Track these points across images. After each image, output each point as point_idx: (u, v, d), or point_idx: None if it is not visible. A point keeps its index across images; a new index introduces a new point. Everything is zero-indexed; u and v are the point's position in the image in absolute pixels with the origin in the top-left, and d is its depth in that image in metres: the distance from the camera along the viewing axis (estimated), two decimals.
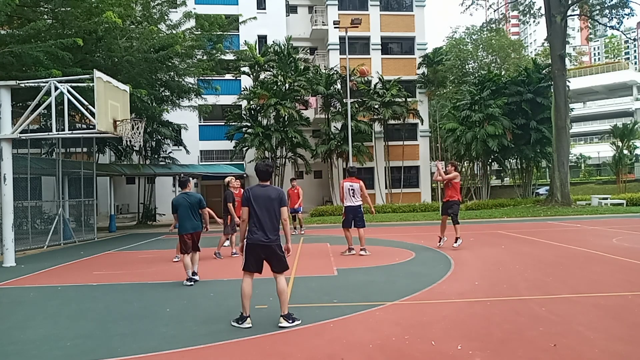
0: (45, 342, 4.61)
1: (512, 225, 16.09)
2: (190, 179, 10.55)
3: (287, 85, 24.19)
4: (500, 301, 5.69)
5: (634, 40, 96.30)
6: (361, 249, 9.76)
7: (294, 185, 15.16)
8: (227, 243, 10.55)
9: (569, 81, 25.51)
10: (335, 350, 4.13)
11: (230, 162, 26.12)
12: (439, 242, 10.47)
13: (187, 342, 4.46)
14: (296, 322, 4.87)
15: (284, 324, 4.81)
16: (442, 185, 10.88)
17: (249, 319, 4.90)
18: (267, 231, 4.84)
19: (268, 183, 5.03)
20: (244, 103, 25.07)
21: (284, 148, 24.78)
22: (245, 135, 23.97)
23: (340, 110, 25.87)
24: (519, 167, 30.43)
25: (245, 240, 4.95)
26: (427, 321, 4.94)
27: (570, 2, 23.56)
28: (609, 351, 3.94)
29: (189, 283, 7.16)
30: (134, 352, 4.23)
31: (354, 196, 9.84)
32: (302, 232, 15.16)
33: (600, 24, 30.56)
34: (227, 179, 10.45)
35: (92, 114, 9.49)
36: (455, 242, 9.87)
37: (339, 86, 25.98)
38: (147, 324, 5.15)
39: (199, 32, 17.46)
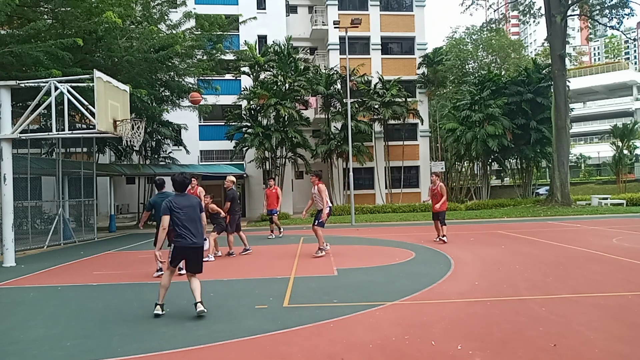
0: (46, 342, 4.61)
1: (512, 225, 16.09)
2: (193, 179, 10.67)
3: (287, 85, 24.18)
4: (500, 301, 5.70)
5: (634, 40, 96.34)
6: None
7: (271, 185, 14.15)
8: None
9: (569, 81, 25.52)
10: (335, 350, 4.13)
11: (230, 162, 26.11)
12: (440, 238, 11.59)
13: (187, 342, 4.46)
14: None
15: (200, 307, 5.24)
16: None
17: (159, 307, 5.42)
18: (195, 235, 5.35)
19: (186, 192, 5.57)
20: (244, 103, 25.05)
21: (284, 148, 24.76)
22: (245, 135, 23.96)
23: (340, 110, 25.86)
24: (519, 167, 30.43)
25: (174, 244, 5.38)
26: (427, 321, 4.94)
27: (570, 2, 23.57)
28: (609, 351, 3.94)
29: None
30: (134, 352, 4.23)
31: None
32: (280, 235, 14.15)
33: (600, 24, 30.57)
34: (230, 178, 10.46)
35: (92, 114, 9.49)
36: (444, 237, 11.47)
37: (339, 86, 25.96)
38: (147, 324, 5.15)
39: (199, 32, 17.45)
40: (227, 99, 25.36)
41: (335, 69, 26.53)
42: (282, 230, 14.49)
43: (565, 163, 22.94)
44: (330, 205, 9.62)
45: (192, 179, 10.68)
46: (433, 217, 11.88)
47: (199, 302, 5.26)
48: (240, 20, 21.45)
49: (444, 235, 11.45)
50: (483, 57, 34.45)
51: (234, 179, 10.46)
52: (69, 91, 9.67)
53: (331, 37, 28.66)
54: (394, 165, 28.93)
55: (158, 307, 5.40)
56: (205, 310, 5.27)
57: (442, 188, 11.58)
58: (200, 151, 26.79)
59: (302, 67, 25.13)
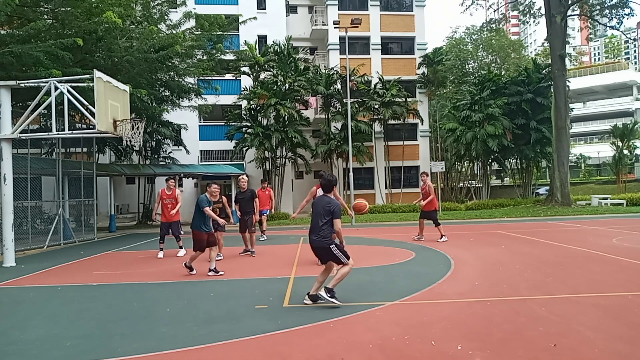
0: (45, 342, 4.61)
1: (512, 225, 16.09)
2: (171, 180, 10.75)
3: (287, 85, 24.18)
4: (500, 301, 5.69)
5: (634, 40, 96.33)
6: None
7: (265, 186, 14.17)
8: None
9: (569, 81, 25.52)
10: (335, 350, 4.13)
11: (230, 162, 26.11)
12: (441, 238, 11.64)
13: (187, 342, 4.46)
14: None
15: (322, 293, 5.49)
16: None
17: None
18: (312, 232, 5.70)
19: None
20: (244, 103, 25.05)
21: (284, 148, 24.76)
22: (245, 135, 23.95)
23: (340, 110, 25.86)
24: (519, 167, 30.43)
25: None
26: (427, 321, 4.94)
27: (570, 2, 23.57)
28: (609, 351, 3.94)
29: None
30: (134, 352, 4.23)
31: None
32: (263, 238, 13.53)
33: (600, 24, 30.57)
34: (242, 178, 10.52)
35: (92, 114, 9.48)
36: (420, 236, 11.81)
37: (339, 86, 25.96)
38: (147, 324, 5.15)
39: (199, 32, 17.45)
40: (227, 99, 25.36)
41: (335, 69, 26.53)
42: (264, 235, 13.91)
43: (565, 163, 22.95)
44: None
45: (170, 180, 10.77)
46: (420, 216, 12.09)
47: (326, 287, 5.48)
48: (240, 20, 21.45)
49: (442, 235, 11.48)
50: (483, 57, 34.44)
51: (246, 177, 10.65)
52: (69, 91, 9.67)
53: (331, 37, 28.66)
54: (394, 165, 28.93)
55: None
56: (319, 297, 5.51)
57: (430, 187, 11.65)
58: (200, 151, 26.79)
59: (302, 67, 25.13)
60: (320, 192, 8.80)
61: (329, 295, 5.47)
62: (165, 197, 10.53)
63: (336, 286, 5.54)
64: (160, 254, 10.44)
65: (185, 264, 8.10)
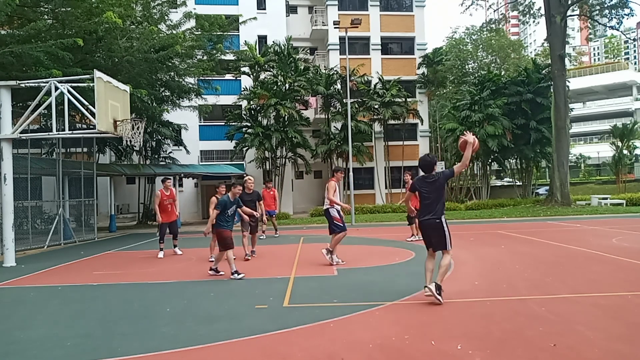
0: (46, 342, 4.62)
1: (512, 225, 16.10)
2: (168, 180, 10.71)
3: (287, 85, 24.19)
4: (500, 301, 5.70)
5: (634, 40, 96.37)
6: (326, 249, 8.63)
7: (269, 187, 14.55)
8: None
9: (568, 81, 25.52)
10: (335, 350, 4.14)
11: (230, 162, 26.12)
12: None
13: (188, 341, 4.46)
14: None
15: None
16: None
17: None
18: (430, 212, 5.72)
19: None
20: (244, 103, 25.06)
21: (284, 148, 24.77)
22: (245, 135, 23.97)
23: (340, 110, 25.87)
24: (519, 167, 30.43)
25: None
26: (427, 321, 4.94)
27: (570, 2, 23.57)
28: (609, 351, 3.94)
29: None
30: (134, 351, 4.24)
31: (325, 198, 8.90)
32: (276, 235, 14.04)
33: (600, 24, 30.56)
34: (250, 179, 10.08)
35: (92, 114, 9.49)
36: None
37: (339, 86, 25.97)
38: (147, 323, 5.16)
39: (199, 32, 17.46)
40: (227, 99, 25.37)
41: (335, 69, 26.53)
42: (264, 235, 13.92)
43: (565, 163, 22.95)
44: (329, 206, 8.64)
45: (167, 181, 10.77)
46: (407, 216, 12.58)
47: (436, 282, 5.47)
48: (240, 21, 21.47)
49: (413, 235, 11.83)
50: (483, 57, 34.44)
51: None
52: (69, 91, 9.68)
53: (331, 37, 28.66)
54: (393, 165, 28.93)
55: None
56: (433, 293, 5.45)
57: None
58: (201, 151, 26.80)
59: (302, 67, 25.14)
60: (333, 183, 8.53)
61: (437, 292, 5.43)
62: (165, 198, 10.54)
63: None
64: (161, 254, 10.45)
65: (211, 268, 7.90)
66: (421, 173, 6.01)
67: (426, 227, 5.70)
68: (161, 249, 10.60)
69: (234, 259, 7.60)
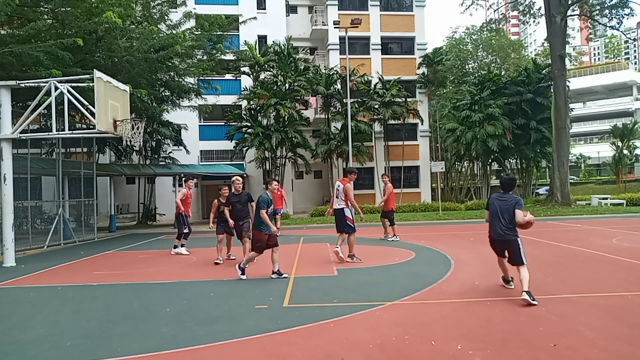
0: (45, 342, 4.61)
1: None
2: (190, 181, 10.77)
3: (287, 85, 24.17)
4: (500, 301, 5.70)
5: (634, 40, 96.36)
6: (348, 256, 8.94)
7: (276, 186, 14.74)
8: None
9: (569, 81, 25.52)
10: (335, 350, 4.13)
11: (230, 162, 26.11)
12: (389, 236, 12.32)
13: (187, 342, 4.46)
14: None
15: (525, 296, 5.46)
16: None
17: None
18: (499, 229, 6.19)
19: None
20: (244, 103, 25.05)
21: (284, 148, 24.76)
22: (245, 135, 23.95)
23: (340, 110, 25.85)
24: (519, 167, 30.43)
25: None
26: (427, 321, 4.94)
27: (570, 2, 23.57)
28: (609, 351, 3.94)
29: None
30: (134, 352, 4.24)
31: (337, 197, 9.03)
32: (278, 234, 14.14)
33: (600, 24, 30.58)
34: (237, 179, 9.26)
35: (92, 114, 9.49)
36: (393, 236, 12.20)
37: (339, 86, 25.95)
38: (147, 324, 5.15)
39: (199, 32, 17.45)
40: (227, 99, 25.37)
41: (335, 69, 26.52)
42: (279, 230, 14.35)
43: (565, 163, 22.95)
44: (345, 206, 8.88)
45: (190, 181, 11.06)
46: (380, 215, 12.96)
47: (526, 290, 5.46)
48: (240, 20, 21.45)
49: (394, 235, 12.15)
50: (483, 57, 34.45)
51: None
52: (69, 91, 9.67)
53: (331, 37, 28.64)
54: (394, 165, 28.91)
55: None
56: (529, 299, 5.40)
57: (388, 188, 12.40)
58: (200, 151, 26.79)
59: (302, 67, 25.13)
60: (350, 185, 8.81)
61: (531, 298, 5.41)
62: (189, 197, 10.92)
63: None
64: (184, 250, 10.72)
65: (239, 265, 7.59)
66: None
67: (500, 242, 6.18)
68: (182, 245, 10.73)
69: (249, 260, 7.68)
